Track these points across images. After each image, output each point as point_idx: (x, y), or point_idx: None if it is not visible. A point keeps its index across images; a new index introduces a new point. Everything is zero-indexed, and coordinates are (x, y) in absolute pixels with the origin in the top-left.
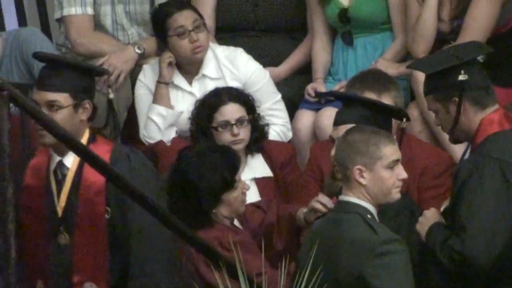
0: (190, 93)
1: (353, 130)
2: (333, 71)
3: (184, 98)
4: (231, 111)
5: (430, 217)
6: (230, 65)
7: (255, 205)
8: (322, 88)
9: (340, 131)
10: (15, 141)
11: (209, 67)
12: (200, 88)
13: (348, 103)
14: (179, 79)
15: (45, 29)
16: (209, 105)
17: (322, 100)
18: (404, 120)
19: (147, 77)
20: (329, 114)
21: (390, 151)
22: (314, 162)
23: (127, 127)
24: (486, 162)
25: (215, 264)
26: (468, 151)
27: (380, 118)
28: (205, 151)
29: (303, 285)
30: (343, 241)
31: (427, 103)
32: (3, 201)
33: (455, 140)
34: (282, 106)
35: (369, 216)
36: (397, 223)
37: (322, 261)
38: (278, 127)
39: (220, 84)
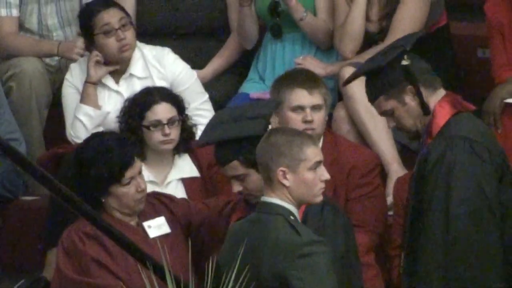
0: (117, 92)
1: (275, 131)
2: (261, 68)
3: (111, 97)
4: (163, 110)
5: None
6: (158, 64)
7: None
8: None
9: (227, 171)
10: None
11: (136, 66)
12: (127, 87)
13: (217, 145)
14: (106, 78)
15: None
16: (140, 103)
17: None
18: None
19: (74, 76)
20: None
21: (313, 152)
22: None
23: (49, 126)
24: (457, 141)
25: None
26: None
27: (251, 143)
28: (106, 142)
29: (230, 286)
30: (265, 243)
31: (378, 108)
32: None
33: (417, 134)
34: (209, 106)
35: (291, 217)
36: (322, 220)
37: (244, 262)
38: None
39: (147, 83)
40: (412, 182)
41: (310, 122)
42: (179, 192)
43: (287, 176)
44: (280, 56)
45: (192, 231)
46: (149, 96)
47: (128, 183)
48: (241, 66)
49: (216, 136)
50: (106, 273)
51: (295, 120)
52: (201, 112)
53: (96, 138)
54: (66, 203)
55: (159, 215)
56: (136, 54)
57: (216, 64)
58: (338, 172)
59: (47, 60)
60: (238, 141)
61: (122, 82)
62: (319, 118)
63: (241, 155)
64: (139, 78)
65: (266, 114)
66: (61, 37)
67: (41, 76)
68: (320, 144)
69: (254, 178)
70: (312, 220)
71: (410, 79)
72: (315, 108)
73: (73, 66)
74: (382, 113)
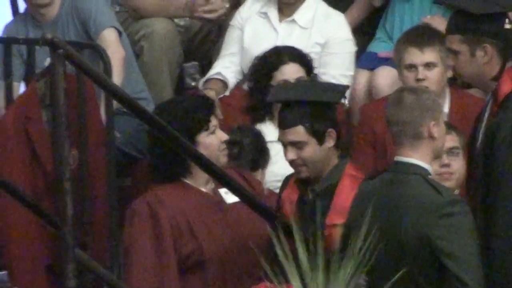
0: (275, 30)
1: (404, 90)
2: (388, 28)
3: (266, 31)
4: (292, 71)
5: None
6: (323, 20)
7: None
8: None
9: (288, 134)
10: (71, 100)
11: (303, 15)
12: (285, 31)
13: (286, 106)
14: (273, 13)
15: None
16: (269, 63)
17: None
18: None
19: (245, 10)
20: (385, 73)
21: None
22: (366, 123)
23: (179, 86)
24: None
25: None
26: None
27: (325, 109)
28: (177, 99)
29: (358, 246)
30: (406, 203)
31: (448, 42)
32: (60, 160)
33: (466, 85)
34: (347, 82)
35: (430, 177)
36: None
37: (380, 223)
38: None
39: (305, 34)
40: (479, 154)
41: (422, 80)
42: None
43: (435, 129)
44: (409, 15)
45: None
46: (277, 56)
47: (213, 132)
48: (368, 25)
49: (290, 95)
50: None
51: (409, 78)
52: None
53: (161, 104)
54: (197, 163)
55: None
56: (309, 4)
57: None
58: (467, 126)
59: (177, 20)
60: (310, 105)
61: (283, 24)
62: (432, 75)
63: (308, 121)
64: (300, 26)
65: (344, 89)
66: None
67: (172, 37)
68: (447, 100)
69: (312, 148)
70: None
71: (491, 40)
72: (427, 66)
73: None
74: (448, 49)
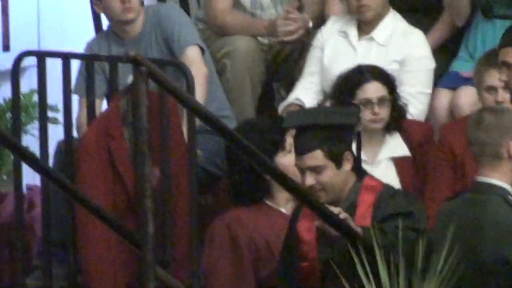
0: (353, 47)
1: (484, 111)
2: (471, 47)
3: (347, 52)
4: (374, 89)
5: None
6: (401, 37)
7: None
8: None
9: (306, 160)
10: (154, 118)
11: (381, 33)
12: (364, 49)
13: (302, 131)
14: (352, 31)
15: (184, 3)
16: (351, 81)
17: None
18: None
19: (326, 30)
20: (467, 93)
21: None
22: (445, 143)
23: (262, 105)
24: None
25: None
26: None
27: (341, 132)
28: (253, 120)
29: (439, 266)
30: (485, 224)
31: (502, 55)
32: (141, 177)
33: None
34: (425, 100)
35: (510, 197)
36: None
37: (460, 243)
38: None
39: (383, 51)
40: None
41: (502, 103)
42: (389, 171)
43: None
44: (491, 35)
45: None
46: (360, 74)
47: (291, 151)
48: (451, 44)
49: (306, 120)
50: None
51: (488, 100)
52: (413, 101)
53: (238, 125)
54: (278, 182)
55: None
56: (387, 21)
57: (429, 41)
58: None
59: (260, 38)
60: (327, 129)
61: (362, 41)
62: None
63: (326, 145)
64: (378, 43)
65: (356, 111)
66: (273, 15)
67: (255, 55)
68: None
69: (331, 172)
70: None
71: None
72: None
73: (333, 18)
74: (502, 62)
